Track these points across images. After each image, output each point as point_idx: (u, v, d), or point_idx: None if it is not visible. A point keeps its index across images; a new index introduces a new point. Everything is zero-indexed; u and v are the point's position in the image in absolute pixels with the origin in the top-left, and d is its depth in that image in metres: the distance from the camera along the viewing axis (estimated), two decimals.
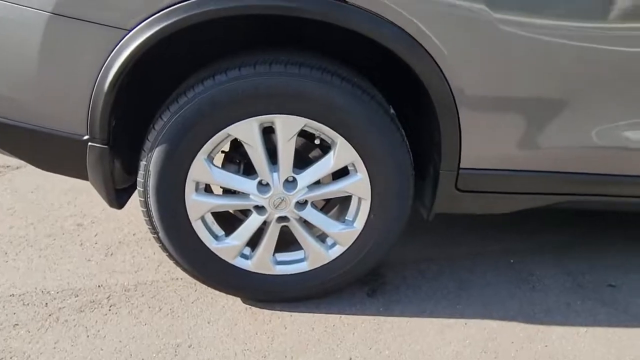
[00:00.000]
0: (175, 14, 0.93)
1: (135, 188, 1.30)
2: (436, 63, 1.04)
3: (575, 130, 1.14)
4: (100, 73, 0.98)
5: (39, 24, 0.95)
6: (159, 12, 0.93)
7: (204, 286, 1.36)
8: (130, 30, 0.94)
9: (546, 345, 1.28)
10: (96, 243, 1.57)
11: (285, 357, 1.19)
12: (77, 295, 1.34)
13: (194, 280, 1.36)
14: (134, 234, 1.62)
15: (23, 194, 1.83)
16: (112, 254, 1.52)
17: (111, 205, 1.19)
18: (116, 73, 0.97)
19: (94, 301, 1.33)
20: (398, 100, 1.22)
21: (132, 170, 1.25)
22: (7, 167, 1.99)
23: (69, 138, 1.08)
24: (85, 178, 1.18)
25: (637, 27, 1.06)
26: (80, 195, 1.83)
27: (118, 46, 0.95)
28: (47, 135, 1.08)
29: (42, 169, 1.20)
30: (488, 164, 1.18)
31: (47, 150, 1.12)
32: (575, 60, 1.08)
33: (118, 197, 1.19)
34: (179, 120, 1.04)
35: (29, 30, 0.96)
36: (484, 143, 1.15)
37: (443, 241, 1.66)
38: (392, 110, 1.15)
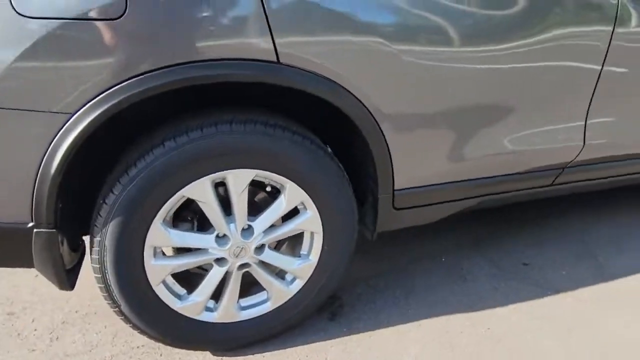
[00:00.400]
0: (119, 93, 0.94)
1: (81, 263, 1.26)
2: (361, 102, 1.17)
3: (482, 141, 1.35)
4: (45, 159, 0.96)
5: None
6: (101, 93, 0.94)
7: (169, 348, 1.35)
8: (73, 114, 0.94)
9: (488, 328, 1.47)
10: (36, 330, 1.45)
11: None
12: None
13: (157, 344, 1.34)
14: (76, 311, 1.53)
15: None
16: (58, 338, 1.42)
17: (63, 288, 1.14)
18: (63, 157, 0.95)
19: None
20: (334, 140, 1.34)
21: (76, 246, 1.21)
22: None
23: (10, 228, 1.03)
24: (28, 265, 1.12)
25: (509, 46, 1.27)
26: (0, 279, 1.68)
27: (62, 130, 0.94)
28: None
29: None
30: (417, 183, 1.35)
31: None
32: (467, 80, 1.27)
33: (69, 277, 1.15)
34: (132, 192, 1.05)
35: None
36: (411, 166, 1.31)
37: (383, 255, 1.81)
38: (329, 150, 1.27)
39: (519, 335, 1.45)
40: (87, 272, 1.22)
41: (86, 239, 1.27)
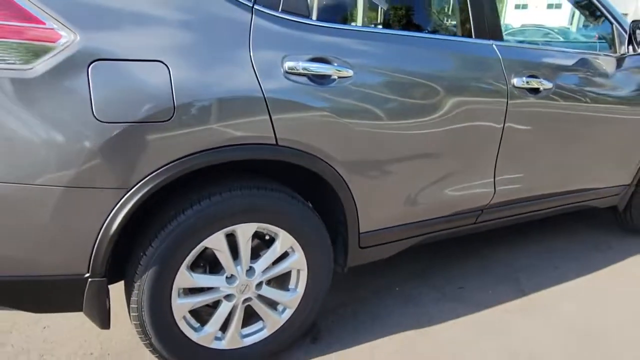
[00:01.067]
0: (165, 172, 1.29)
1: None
2: (334, 168, 1.58)
3: (423, 193, 1.81)
4: (105, 224, 1.26)
5: (52, 197, 1.20)
6: (152, 172, 1.28)
7: None
8: (131, 188, 1.27)
9: (437, 340, 1.87)
10: None
11: None
12: None
13: None
14: (91, 353, 1.75)
15: None
16: None
17: (104, 327, 1.41)
18: (120, 222, 1.26)
19: None
20: (314, 197, 1.74)
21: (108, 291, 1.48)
22: None
23: (70, 279, 1.31)
24: (76, 310, 1.38)
25: (433, 120, 1.73)
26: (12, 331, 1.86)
27: (121, 202, 1.26)
28: (48, 281, 1.29)
29: (35, 312, 1.36)
30: (376, 226, 1.76)
31: (46, 294, 1.32)
32: (409, 146, 1.70)
33: (108, 318, 1.42)
34: (167, 245, 1.37)
35: (42, 203, 1.20)
36: (372, 214, 1.73)
37: (347, 287, 2.19)
38: (310, 204, 1.66)
39: (459, 342, 1.86)
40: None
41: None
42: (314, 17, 1.69)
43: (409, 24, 2.16)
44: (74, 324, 1.88)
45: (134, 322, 1.44)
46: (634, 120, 2.38)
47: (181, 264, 1.42)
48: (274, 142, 1.44)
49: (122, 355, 1.73)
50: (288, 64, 1.43)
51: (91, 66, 1.19)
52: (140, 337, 1.46)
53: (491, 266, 2.45)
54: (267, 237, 1.60)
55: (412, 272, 2.35)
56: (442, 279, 2.31)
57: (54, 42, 1.17)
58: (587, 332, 1.95)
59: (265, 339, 1.67)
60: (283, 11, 1.47)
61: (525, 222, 2.46)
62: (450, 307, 2.09)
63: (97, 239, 1.29)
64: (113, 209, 1.27)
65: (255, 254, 1.58)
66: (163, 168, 1.29)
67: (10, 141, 1.16)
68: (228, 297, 1.56)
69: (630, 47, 2.27)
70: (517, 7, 27.03)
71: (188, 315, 1.53)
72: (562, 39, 2.40)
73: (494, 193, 2.03)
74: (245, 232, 1.50)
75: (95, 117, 1.20)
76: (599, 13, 2.35)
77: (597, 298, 2.21)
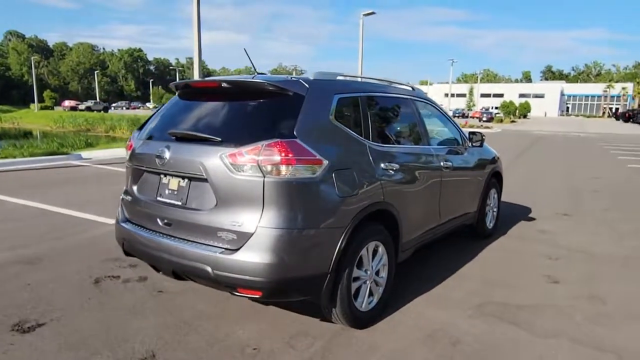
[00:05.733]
0: (356, 218, 2.85)
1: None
2: (398, 212, 3.33)
3: (427, 218, 3.71)
4: (339, 245, 2.74)
5: (321, 233, 2.65)
6: (352, 220, 2.83)
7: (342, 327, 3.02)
8: (346, 227, 2.79)
9: (435, 294, 3.68)
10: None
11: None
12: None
13: (333, 332, 3.00)
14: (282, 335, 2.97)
15: None
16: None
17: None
18: (346, 243, 2.77)
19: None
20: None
21: None
22: None
23: (322, 275, 2.71)
24: (317, 293, 2.76)
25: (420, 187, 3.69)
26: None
27: (345, 232, 2.76)
28: (313, 277, 2.68)
29: (301, 297, 2.69)
30: (406, 239, 3.54)
31: (312, 283, 2.69)
32: (420, 205, 3.61)
33: None
34: (353, 254, 2.89)
35: (320, 236, 2.63)
36: (406, 234, 3.50)
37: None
38: (386, 231, 3.34)
39: (437, 295, 3.71)
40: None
41: None
42: (382, 143, 3.46)
43: (410, 141, 4.04)
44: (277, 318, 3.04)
45: (340, 297, 2.87)
46: (475, 179, 4.83)
47: (355, 264, 2.95)
48: (383, 200, 3.14)
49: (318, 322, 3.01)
50: (382, 164, 3.19)
51: (334, 172, 2.76)
52: (340, 304, 2.88)
53: (444, 258, 4.42)
54: (375, 249, 3.22)
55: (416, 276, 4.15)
56: (430, 273, 4.17)
57: (321, 164, 2.70)
58: (486, 279, 4.04)
59: (376, 304, 3.23)
60: (373, 142, 3.23)
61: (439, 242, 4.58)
62: (428, 285, 3.94)
63: (334, 252, 2.75)
64: (342, 236, 2.78)
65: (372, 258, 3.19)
66: (354, 216, 2.87)
67: (327, 206, 2.65)
68: (365, 282, 3.11)
69: (470, 143, 4.71)
70: None
71: (351, 292, 3.01)
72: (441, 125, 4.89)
73: (440, 215, 4.06)
74: (372, 245, 3.11)
75: (337, 194, 2.75)
76: (448, 124, 4.74)
77: (479, 264, 4.37)
